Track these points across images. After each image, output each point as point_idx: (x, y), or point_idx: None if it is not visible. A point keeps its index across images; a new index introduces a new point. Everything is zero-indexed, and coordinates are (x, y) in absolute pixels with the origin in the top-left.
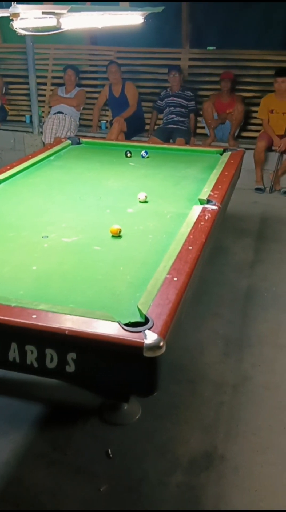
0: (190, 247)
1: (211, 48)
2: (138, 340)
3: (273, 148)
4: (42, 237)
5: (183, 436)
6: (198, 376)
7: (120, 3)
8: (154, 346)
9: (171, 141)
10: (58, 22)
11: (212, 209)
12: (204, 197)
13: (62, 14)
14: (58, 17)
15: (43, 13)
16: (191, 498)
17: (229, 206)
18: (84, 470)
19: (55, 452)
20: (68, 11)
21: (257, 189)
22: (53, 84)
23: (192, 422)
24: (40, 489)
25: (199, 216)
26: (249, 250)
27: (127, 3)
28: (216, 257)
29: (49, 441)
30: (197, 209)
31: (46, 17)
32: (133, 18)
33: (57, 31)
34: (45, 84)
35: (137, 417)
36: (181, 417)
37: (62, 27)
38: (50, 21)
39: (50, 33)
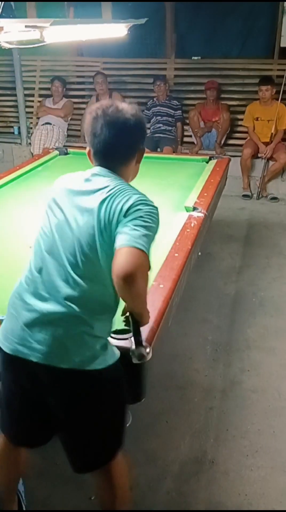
0: (176, 254)
1: (196, 57)
2: (125, 347)
3: (259, 155)
4: (30, 247)
5: (173, 442)
6: (187, 382)
7: (103, 15)
8: (141, 353)
9: (158, 149)
10: (41, 35)
11: (198, 216)
12: (190, 204)
13: (45, 27)
14: (41, 30)
15: (26, 26)
16: (181, 504)
17: (217, 212)
18: (74, 479)
19: (45, 462)
20: (51, 24)
21: (244, 196)
22: (40, 96)
23: (182, 428)
24: (31, 499)
25: (185, 223)
26: (236, 256)
27: (109, 14)
28: (204, 263)
29: (38, 451)
30: (183, 217)
31: (30, 30)
32: (117, 30)
33: (41, 44)
34: (32, 95)
35: (127, 424)
36: (171, 424)
37: (45, 40)
38: (34, 34)
39: (34, 45)
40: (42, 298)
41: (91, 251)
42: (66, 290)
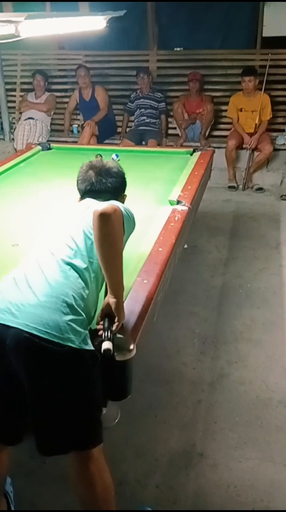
0: (160, 249)
1: (178, 49)
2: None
3: (244, 146)
4: (12, 245)
5: (161, 436)
6: (175, 375)
7: (80, 8)
8: (125, 349)
9: (143, 142)
10: (16, 29)
11: (182, 210)
12: (174, 198)
13: (20, 22)
14: (16, 25)
15: (0, 21)
16: (170, 498)
17: (203, 204)
18: (63, 477)
19: (33, 460)
20: (25, 19)
21: (230, 187)
22: (22, 90)
23: (170, 422)
24: (19, 498)
25: (169, 217)
26: (223, 248)
27: (87, 7)
28: (191, 256)
29: (26, 450)
30: (167, 210)
31: (5, 25)
32: (96, 23)
33: (17, 39)
34: (14, 90)
35: (116, 420)
36: (159, 418)
37: (20, 34)
38: (9, 29)
39: (9, 40)
40: None
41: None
42: None
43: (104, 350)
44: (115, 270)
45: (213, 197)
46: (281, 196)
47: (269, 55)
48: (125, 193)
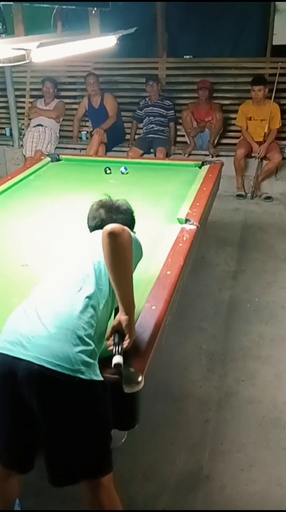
0: (169, 272)
1: (187, 56)
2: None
3: (253, 154)
4: (22, 265)
5: (169, 457)
6: (183, 394)
7: (91, 30)
8: (133, 382)
9: (151, 150)
10: (29, 56)
11: (190, 229)
12: (183, 216)
13: (31, 50)
14: (28, 52)
15: (12, 49)
16: None
17: (211, 213)
18: (72, 498)
19: (43, 481)
20: (37, 47)
21: (239, 196)
22: (31, 97)
23: (178, 442)
24: None
25: (177, 237)
26: (231, 260)
27: (97, 29)
28: (199, 268)
29: (36, 471)
30: (175, 230)
31: (17, 50)
32: (107, 41)
33: (28, 61)
34: (23, 96)
35: (123, 440)
36: (167, 438)
37: (32, 60)
38: (21, 56)
39: (20, 63)
40: None
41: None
42: None
43: (114, 364)
44: (126, 287)
45: (222, 206)
46: None
47: (279, 63)
48: (134, 229)
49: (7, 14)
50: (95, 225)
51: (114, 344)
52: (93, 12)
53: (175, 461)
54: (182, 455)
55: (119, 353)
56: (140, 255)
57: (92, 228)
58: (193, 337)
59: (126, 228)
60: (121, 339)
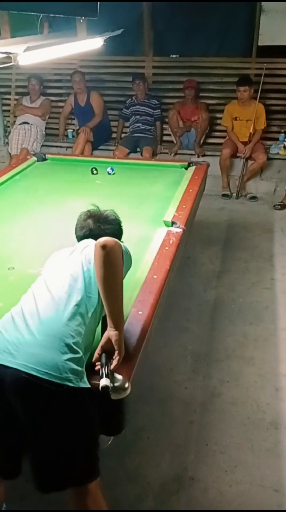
0: (155, 276)
1: (174, 56)
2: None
3: (238, 154)
4: (8, 268)
5: (153, 459)
6: (168, 395)
7: (78, 33)
8: (120, 388)
9: (138, 149)
10: (15, 59)
11: (176, 232)
12: (169, 218)
13: (18, 54)
14: (14, 56)
15: None
16: None
17: (197, 212)
18: (57, 501)
19: (28, 484)
20: (24, 51)
21: (224, 195)
22: (17, 94)
23: (163, 444)
24: None
25: (163, 240)
26: (216, 260)
27: (84, 31)
28: (184, 267)
29: (21, 474)
30: (161, 233)
31: (3, 54)
32: (93, 43)
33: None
34: (9, 93)
35: (109, 443)
36: (151, 440)
37: (19, 63)
38: (7, 58)
39: (6, 65)
40: None
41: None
42: None
43: (102, 387)
44: (116, 300)
45: (207, 205)
46: (274, 205)
47: (265, 64)
48: (122, 239)
49: None
50: (83, 234)
51: (101, 365)
52: (81, 21)
53: (159, 462)
54: (166, 456)
55: (106, 375)
56: (129, 264)
57: (80, 238)
58: (179, 337)
59: (118, 241)
60: (109, 359)
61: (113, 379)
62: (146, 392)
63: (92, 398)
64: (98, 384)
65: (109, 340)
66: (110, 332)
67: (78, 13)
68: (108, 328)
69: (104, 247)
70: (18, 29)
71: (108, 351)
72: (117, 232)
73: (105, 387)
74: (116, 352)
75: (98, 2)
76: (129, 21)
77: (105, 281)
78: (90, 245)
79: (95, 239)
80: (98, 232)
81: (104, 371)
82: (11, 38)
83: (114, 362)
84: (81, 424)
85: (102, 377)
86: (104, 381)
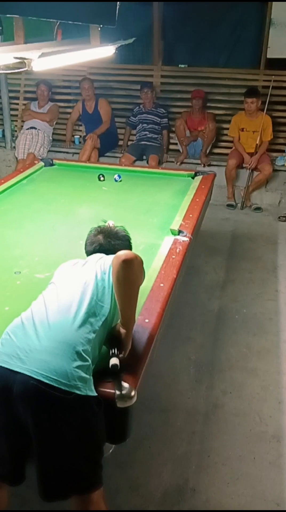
0: (162, 284)
1: (182, 65)
2: (110, 390)
3: (244, 165)
4: (14, 272)
5: (155, 469)
6: (170, 404)
7: (91, 38)
8: (126, 396)
9: (144, 157)
10: (29, 65)
11: (183, 241)
12: (176, 227)
13: (32, 59)
14: (28, 62)
15: (14, 58)
16: None
17: (202, 222)
18: (58, 508)
19: (29, 491)
20: (39, 57)
21: (229, 205)
22: (25, 99)
23: (165, 454)
24: None
25: (170, 248)
26: (220, 270)
27: (98, 39)
28: (189, 277)
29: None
30: (168, 241)
31: (17, 59)
32: (105, 51)
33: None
34: (17, 98)
35: (110, 451)
36: (153, 449)
37: (33, 69)
38: (21, 64)
39: (20, 70)
40: None
41: None
42: None
43: (111, 365)
44: (130, 308)
45: (212, 214)
46: (279, 217)
47: (273, 76)
48: None
49: (7, 17)
50: (94, 249)
51: (111, 347)
52: (99, 29)
53: (161, 473)
54: (168, 466)
55: (116, 356)
56: (144, 276)
57: (90, 253)
58: (182, 346)
59: (138, 255)
60: (118, 344)
61: (120, 387)
62: (149, 400)
63: (99, 406)
64: (106, 391)
65: (119, 332)
66: (121, 329)
67: (97, 21)
68: (120, 324)
69: (125, 261)
70: (32, 34)
71: (116, 336)
72: (127, 248)
73: (115, 366)
74: (124, 346)
75: (117, 11)
76: (139, 30)
77: (122, 294)
78: (105, 257)
79: (106, 254)
80: (108, 247)
81: (113, 351)
82: (25, 44)
83: (121, 352)
84: (87, 432)
85: (111, 356)
86: (114, 360)
